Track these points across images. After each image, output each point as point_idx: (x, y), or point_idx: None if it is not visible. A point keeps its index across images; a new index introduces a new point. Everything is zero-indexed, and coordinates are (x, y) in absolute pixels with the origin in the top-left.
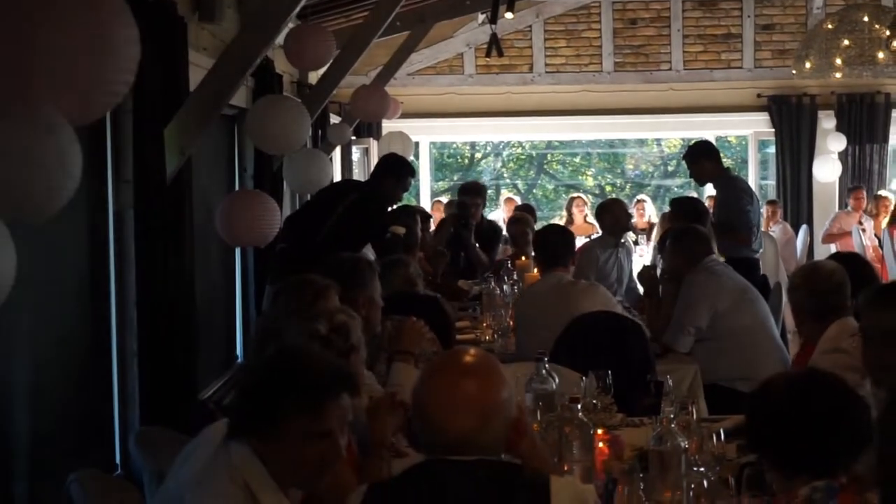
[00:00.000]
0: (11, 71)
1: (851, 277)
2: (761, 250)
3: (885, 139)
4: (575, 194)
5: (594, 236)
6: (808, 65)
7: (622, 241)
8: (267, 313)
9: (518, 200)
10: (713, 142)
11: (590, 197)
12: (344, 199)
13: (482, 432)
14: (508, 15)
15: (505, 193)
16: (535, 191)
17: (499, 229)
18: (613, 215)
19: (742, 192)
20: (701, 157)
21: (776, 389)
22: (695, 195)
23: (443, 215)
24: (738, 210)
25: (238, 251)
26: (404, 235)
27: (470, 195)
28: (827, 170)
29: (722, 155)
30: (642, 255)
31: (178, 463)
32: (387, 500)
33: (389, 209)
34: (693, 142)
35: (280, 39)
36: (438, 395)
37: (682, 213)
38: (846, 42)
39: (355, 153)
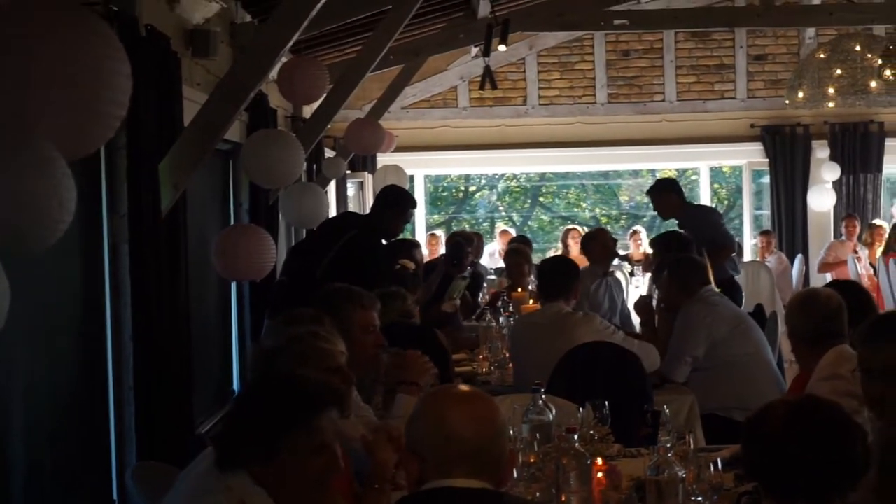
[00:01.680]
0: (5, 104)
1: (849, 305)
2: (738, 273)
3: (879, 168)
4: (570, 226)
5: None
6: (800, 94)
7: (611, 269)
8: (261, 344)
9: (513, 232)
10: (707, 171)
11: (585, 228)
12: (343, 234)
13: (492, 447)
14: (502, 48)
15: (500, 226)
16: (530, 223)
17: (482, 275)
18: (599, 243)
19: (709, 211)
20: (664, 192)
21: (772, 416)
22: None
23: (439, 249)
24: (715, 225)
25: (234, 285)
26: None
27: (464, 238)
28: (821, 199)
29: (716, 185)
30: (638, 286)
31: (171, 492)
32: None
33: (389, 242)
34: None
35: (274, 74)
36: (454, 407)
37: (666, 247)
38: (839, 71)
39: (350, 187)
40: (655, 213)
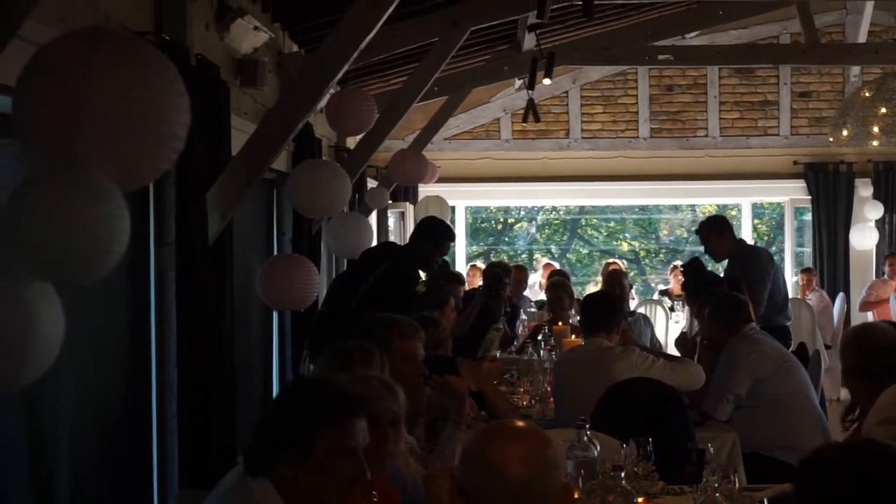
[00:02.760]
0: (62, 135)
1: None
2: (789, 320)
3: None
4: (610, 259)
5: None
6: (844, 132)
7: (637, 308)
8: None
9: (556, 265)
10: (749, 207)
11: (624, 262)
12: (380, 264)
13: (540, 483)
14: (546, 81)
15: (542, 259)
16: (568, 255)
17: (519, 308)
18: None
19: (761, 266)
20: (722, 230)
21: (827, 459)
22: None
23: (478, 280)
24: (758, 283)
25: (276, 314)
26: (434, 290)
27: (502, 268)
28: (864, 237)
29: (757, 221)
30: (678, 321)
31: None
32: None
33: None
34: (705, 218)
35: (319, 104)
36: (501, 444)
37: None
38: (883, 110)
39: (391, 217)
40: (704, 251)
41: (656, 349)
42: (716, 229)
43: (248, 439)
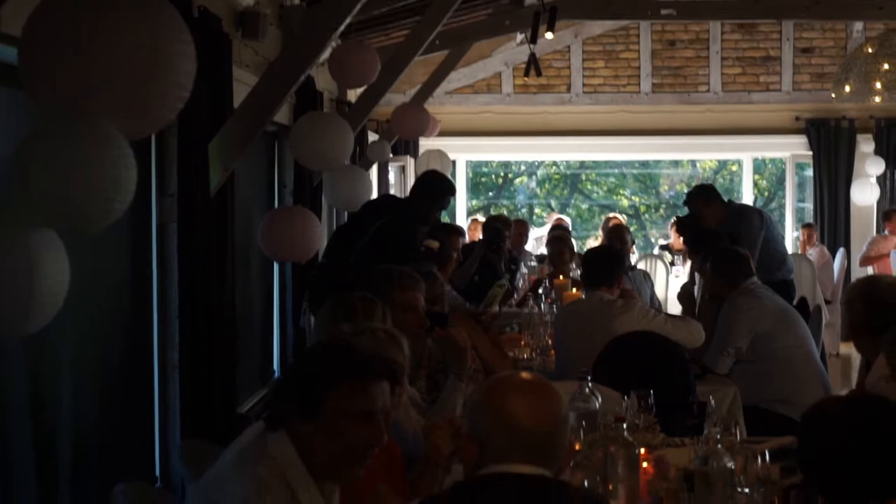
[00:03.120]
0: (68, 84)
1: None
2: (791, 274)
3: None
4: (611, 214)
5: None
6: (847, 88)
7: (635, 262)
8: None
9: (567, 220)
10: (750, 163)
11: (624, 217)
12: (380, 217)
13: (554, 437)
14: (548, 35)
15: (553, 214)
16: (568, 210)
17: (519, 262)
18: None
19: (752, 224)
20: (701, 206)
21: (829, 412)
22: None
23: (479, 234)
24: (750, 241)
25: (276, 266)
26: (438, 250)
27: (502, 222)
28: (865, 193)
29: (757, 177)
30: (678, 275)
31: (217, 463)
32: None
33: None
34: (691, 190)
35: (321, 57)
36: (519, 396)
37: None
38: (886, 66)
39: (392, 171)
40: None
41: (656, 305)
42: (702, 200)
43: (270, 393)
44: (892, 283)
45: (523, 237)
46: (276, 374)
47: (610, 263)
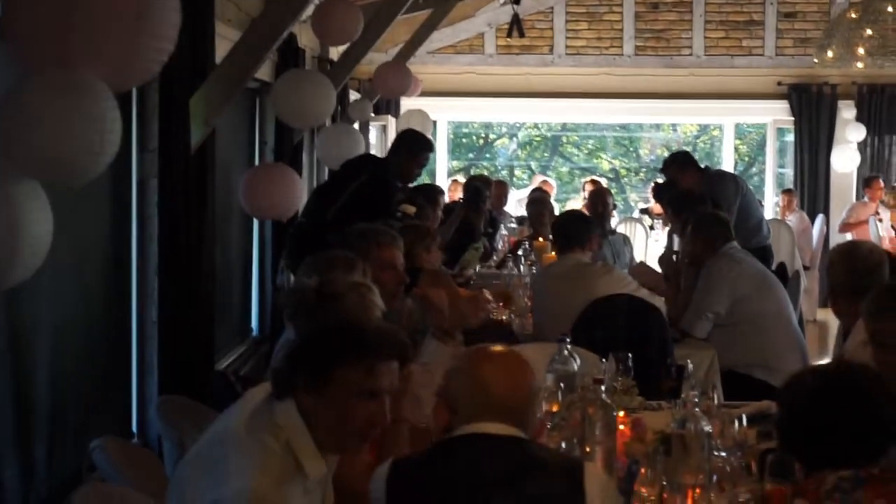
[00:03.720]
0: (53, 37)
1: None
2: (768, 240)
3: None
4: (590, 177)
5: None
6: (829, 54)
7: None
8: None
9: (551, 181)
10: (731, 128)
11: (604, 180)
12: (358, 176)
13: (523, 405)
14: None
15: (537, 177)
16: (549, 172)
17: (499, 222)
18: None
19: (727, 189)
20: (677, 174)
21: (810, 381)
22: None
23: (459, 194)
24: (725, 207)
25: (256, 223)
26: (415, 215)
27: (483, 182)
28: (845, 160)
29: (739, 142)
30: (658, 239)
31: (215, 423)
32: (416, 475)
33: (405, 186)
34: (667, 158)
35: (304, 14)
36: (491, 364)
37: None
38: (869, 32)
39: (373, 130)
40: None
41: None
42: (678, 166)
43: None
44: (872, 248)
45: (503, 198)
46: (254, 333)
47: (579, 224)
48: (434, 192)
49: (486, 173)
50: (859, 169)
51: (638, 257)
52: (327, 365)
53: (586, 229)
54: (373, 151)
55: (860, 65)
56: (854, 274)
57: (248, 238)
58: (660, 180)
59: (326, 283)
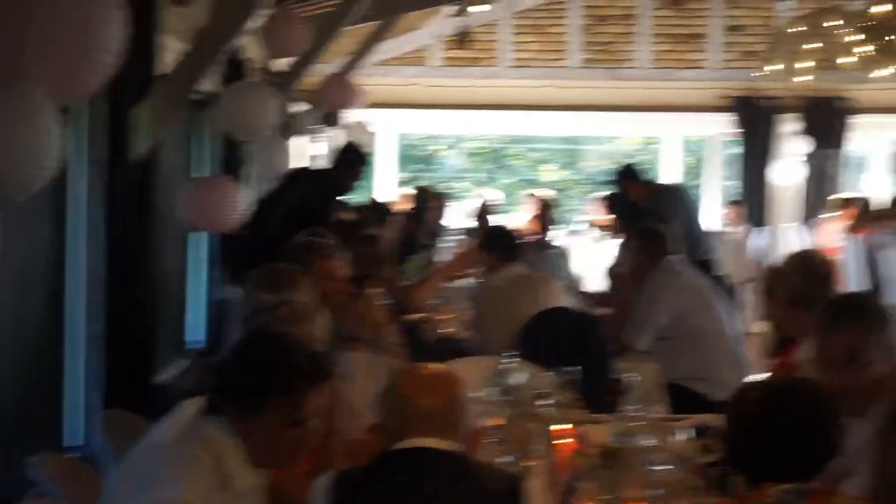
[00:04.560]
0: (2, 50)
1: None
2: (708, 254)
3: (847, 144)
4: (533, 189)
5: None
6: (774, 67)
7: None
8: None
9: (497, 195)
10: (676, 140)
11: (549, 192)
12: (297, 188)
13: (450, 414)
14: (480, 7)
15: (482, 189)
16: (493, 185)
17: (439, 233)
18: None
19: (670, 202)
20: (626, 183)
21: (753, 396)
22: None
23: (406, 207)
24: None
25: (195, 236)
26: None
27: (427, 194)
28: (789, 173)
29: (685, 155)
30: (602, 252)
31: (148, 435)
32: (359, 489)
33: (341, 198)
34: (617, 168)
35: (251, 26)
36: (412, 379)
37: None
38: (813, 46)
39: (317, 142)
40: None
41: (574, 283)
42: (626, 178)
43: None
44: (825, 258)
45: (443, 210)
46: (192, 345)
47: (511, 238)
48: (383, 206)
49: (430, 185)
50: (807, 182)
51: (582, 271)
52: (257, 398)
53: (518, 242)
54: (317, 163)
55: (804, 79)
56: (812, 281)
57: (184, 249)
58: (606, 193)
59: (263, 301)
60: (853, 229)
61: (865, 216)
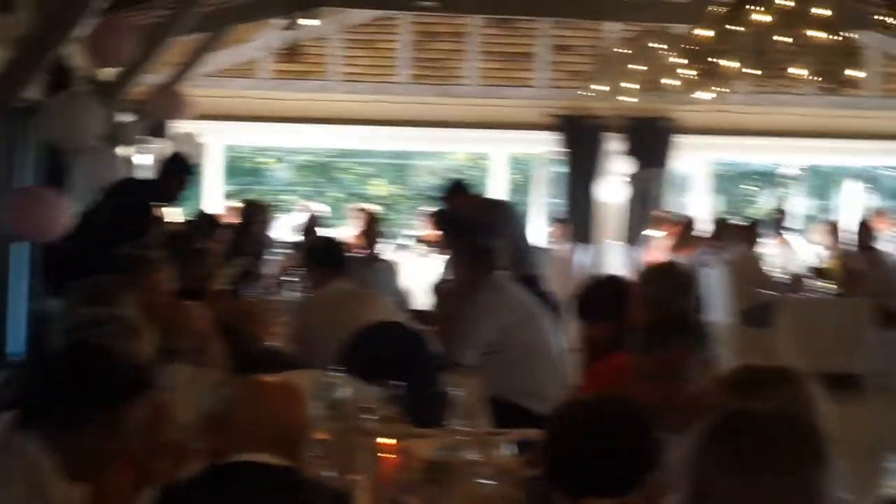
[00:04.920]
0: None
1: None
2: (535, 270)
3: (669, 163)
4: (360, 204)
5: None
6: (599, 87)
7: (379, 252)
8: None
9: (322, 208)
10: (502, 158)
11: (376, 207)
12: (121, 198)
13: (301, 435)
14: (310, 21)
15: (307, 202)
16: (321, 198)
17: (263, 245)
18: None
19: (497, 218)
20: (453, 200)
21: (573, 412)
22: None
23: (233, 219)
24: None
25: (17, 246)
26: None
27: (254, 206)
28: (613, 192)
29: (512, 172)
30: (430, 267)
31: None
32: (184, 502)
33: (166, 208)
34: (445, 184)
35: (78, 33)
36: (275, 395)
37: (455, 231)
38: (638, 67)
39: (144, 152)
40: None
41: (402, 298)
42: (454, 194)
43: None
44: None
45: (268, 223)
46: (10, 356)
47: (336, 252)
48: (212, 218)
49: (257, 198)
50: (630, 201)
51: (410, 285)
52: (76, 411)
53: (343, 256)
54: (143, 174)
55: (629, 99)
56: (677, 290)
57: (7, 260)
58: (434, 208)
59: (85, 314)
60: (676, 248)
61: (688, 236)
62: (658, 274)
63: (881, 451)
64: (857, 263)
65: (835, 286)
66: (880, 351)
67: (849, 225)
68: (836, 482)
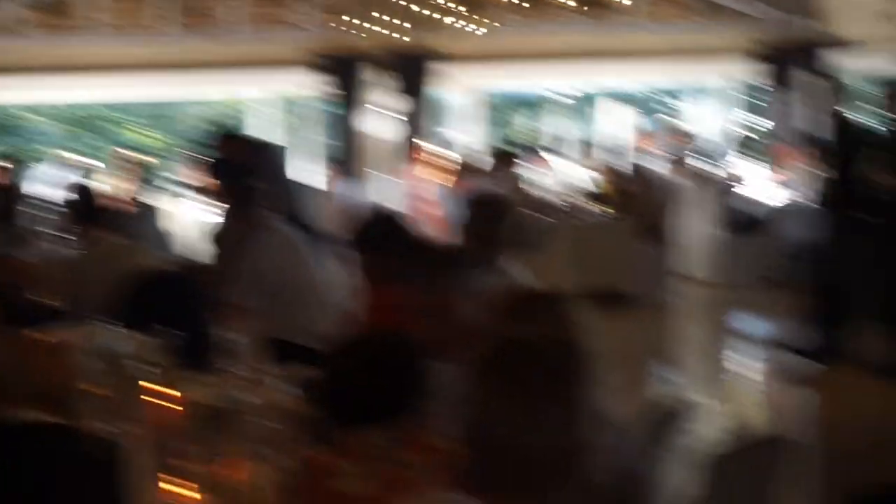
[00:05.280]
0: None
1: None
2: (308, 210)
3: (435, 95)
4: (124, 151)
5: None
6: (363, 23)
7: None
8: None
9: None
10: (270, 98)
11: (138, 155)
12: None
13: (68, 388)
14: None
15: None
16: (86, 151)
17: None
18: None
19: (271, 162)
20: (221, 145)
21: (346, 347)
22: None
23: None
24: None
25: None
26: None
27: (21, 164)
28: (384, 127)
29: (279, 113)
30: (199, 212)
31: None
32: None
33: None
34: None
35: None
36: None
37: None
38: (401, 1)
39: None
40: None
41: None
42: (223, 138)
43: None
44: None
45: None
46: None
47: (101, 205)
48: None
49: (19, 153)
50: (407, 136)
51: (178, 233)
52: None
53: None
54: None
55: (393, 33)
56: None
57: None
58: (203, 154)
59: None
60: (453, 182)
61: (463, 169)
62: (495, 207)
63: (648, 360)
64: (629, 185)
65: (612, 210)
66: (646, 267)
67: (618, 146)
68: (605, 397)
